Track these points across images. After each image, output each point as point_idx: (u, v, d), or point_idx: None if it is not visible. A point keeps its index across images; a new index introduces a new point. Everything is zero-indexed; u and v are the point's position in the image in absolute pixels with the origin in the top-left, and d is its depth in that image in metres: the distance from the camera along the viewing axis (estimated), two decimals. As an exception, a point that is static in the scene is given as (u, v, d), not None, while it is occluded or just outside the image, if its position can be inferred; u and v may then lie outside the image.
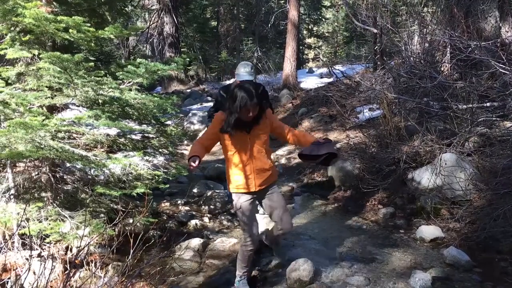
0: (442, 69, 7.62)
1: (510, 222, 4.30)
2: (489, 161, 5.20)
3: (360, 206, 5.76)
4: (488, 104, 5.78)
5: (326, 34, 28.80)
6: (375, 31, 10.94)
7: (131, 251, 2.84)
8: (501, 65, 5.11)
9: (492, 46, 5.75)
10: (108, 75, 4.17)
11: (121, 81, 4.26)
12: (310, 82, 15.56)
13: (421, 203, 5.19)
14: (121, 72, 4.15)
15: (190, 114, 12.56)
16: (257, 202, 3.74)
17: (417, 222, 5.01)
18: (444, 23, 7.33)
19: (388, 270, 4.02)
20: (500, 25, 7.29)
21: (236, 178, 3.44)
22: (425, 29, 7.69)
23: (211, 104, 15.87)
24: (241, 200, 3.49)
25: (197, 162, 3.08)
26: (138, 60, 4.20)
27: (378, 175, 5.85)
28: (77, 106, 4.35)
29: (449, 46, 6.96)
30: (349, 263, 4.15)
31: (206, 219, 5.54)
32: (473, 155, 5.44)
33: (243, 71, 4.76)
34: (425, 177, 5.41)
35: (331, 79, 13.88)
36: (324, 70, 17.82)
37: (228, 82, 20.47)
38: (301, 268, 3.80)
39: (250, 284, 3.72)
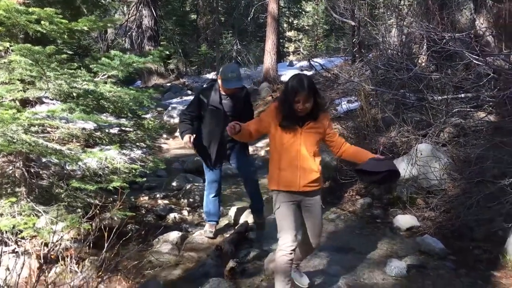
0: (419, 61, 7.72)
1: (483, 211, 4.41)
2: (463, 151, 5.31)
3: (338, 197, 5.80)
4: (462, 95, 5.89)
5: (306, 27, 28.80)
6: (353, 23, 11.01)
7: (106, 244, 2.82)
8: (475, 57, 5.20)
9: (466, 37, 5.84)
10: (82, 68, 4.11)
11: (95, 74, 4.20)
12: (290, 75, 15.57)
13: (398, 193, 5.27)
14: (95, 65, 4.10)
15: (169, 108, 12.49)
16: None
17: (394, 212, 5.07)
18: (420, 15, 7.42)
19: (364, 259, 4.08)
20: (475, 17, 7.41)
21: (279, 174, 3.10)
22: (402, 22, 7.78)
23: (191, 97, 15.86)
24: (281, 199, 3.13)
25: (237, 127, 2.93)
26: (113, 52, 4.15)
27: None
28: (51, 99, 4.28)
29: (426, 38, 7.06)
30: (327, 253, 4.19)
31: (185, 212, 5.52)
32: (448, 145, 5.54)
33: (231, 76, 4.16)
34: (401, 168, 5.45)
35: (311, 72, 13.94)
36: (304, 63, 17.87)
37: (208, 75, 20.36)
38: (279, 259, 3.82)
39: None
